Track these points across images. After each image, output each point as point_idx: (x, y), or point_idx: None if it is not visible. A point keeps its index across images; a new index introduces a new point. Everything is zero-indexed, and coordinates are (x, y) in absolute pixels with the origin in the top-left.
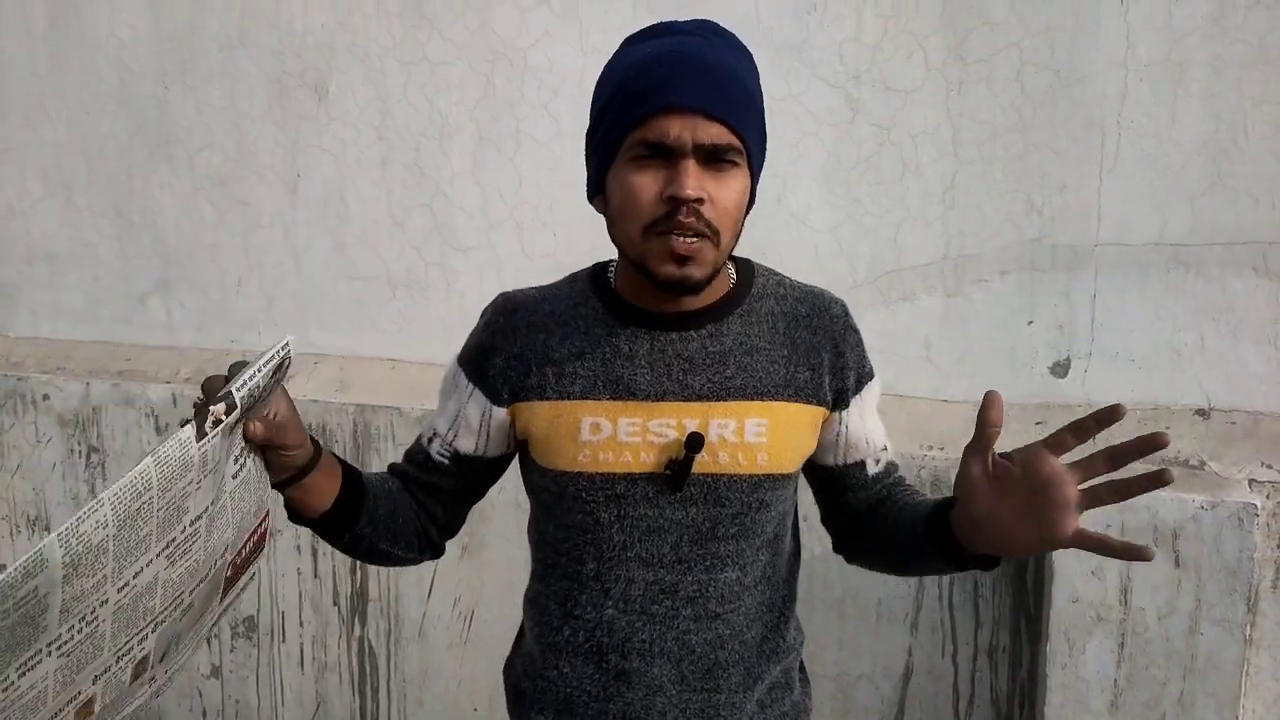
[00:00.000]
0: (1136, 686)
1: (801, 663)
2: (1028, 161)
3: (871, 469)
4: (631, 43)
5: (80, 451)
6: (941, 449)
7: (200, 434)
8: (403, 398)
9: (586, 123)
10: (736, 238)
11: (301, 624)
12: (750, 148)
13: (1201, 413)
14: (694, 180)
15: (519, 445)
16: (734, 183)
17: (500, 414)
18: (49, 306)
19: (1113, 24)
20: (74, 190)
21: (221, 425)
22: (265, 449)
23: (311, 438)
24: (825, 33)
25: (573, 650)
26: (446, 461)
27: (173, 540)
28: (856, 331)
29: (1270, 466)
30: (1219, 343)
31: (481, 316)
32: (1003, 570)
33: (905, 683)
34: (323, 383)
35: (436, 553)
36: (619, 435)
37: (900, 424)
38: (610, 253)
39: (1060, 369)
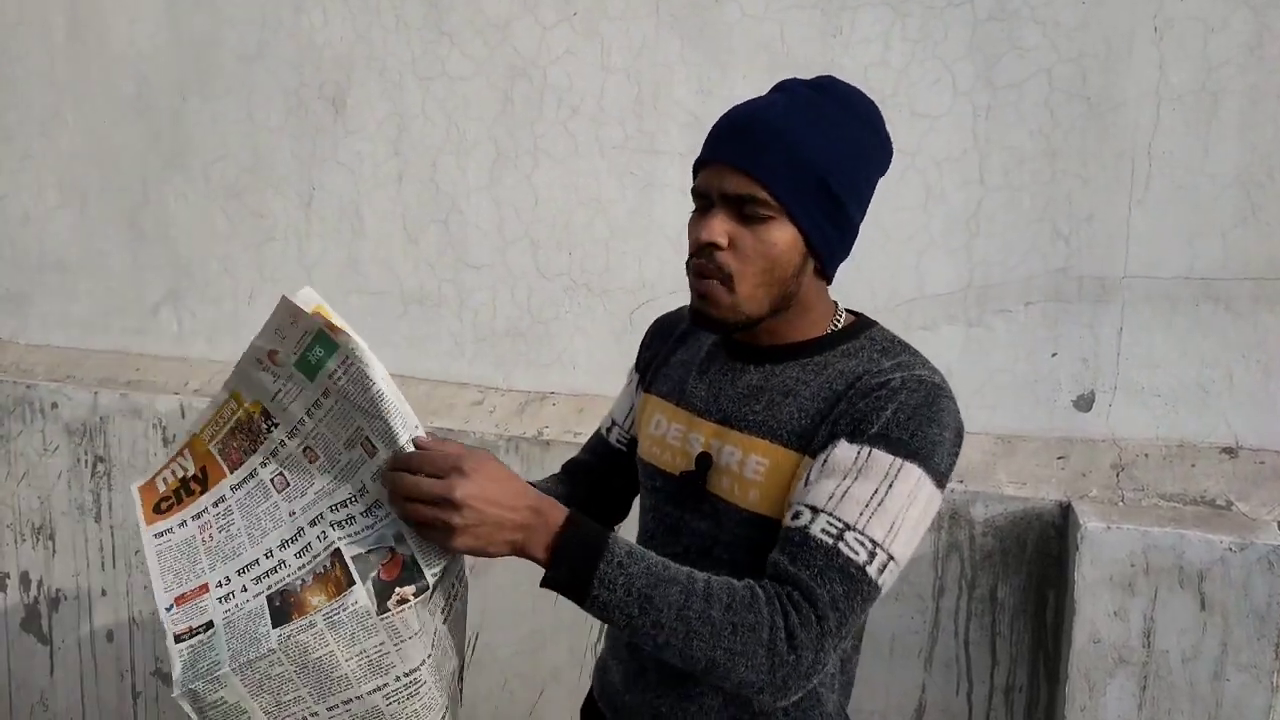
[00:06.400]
0: None
1: None
2: (1055, 190)
3: (785, 520)
4: None
5: (86, 461)
6: (960, 482)
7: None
8: None
9: (604, 141)
10: (771, 286)
11: None
12: (786, 201)
13: (1229, 451)
14: (715, 226)
15: None
16: (766, 234)
17: (643, 398)
18: (60, 315)
19: (1146, 52)
20: (88, 199)
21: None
22: None
23: None
24: (851, 56)
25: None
26: (624, 448)
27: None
28: (891, 393)
29: None
30: (1248, 380)
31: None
32: (1021, 607)
33: None
34: None
35: None
36: (668, 436)
37: None
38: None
39: (1084, 403)
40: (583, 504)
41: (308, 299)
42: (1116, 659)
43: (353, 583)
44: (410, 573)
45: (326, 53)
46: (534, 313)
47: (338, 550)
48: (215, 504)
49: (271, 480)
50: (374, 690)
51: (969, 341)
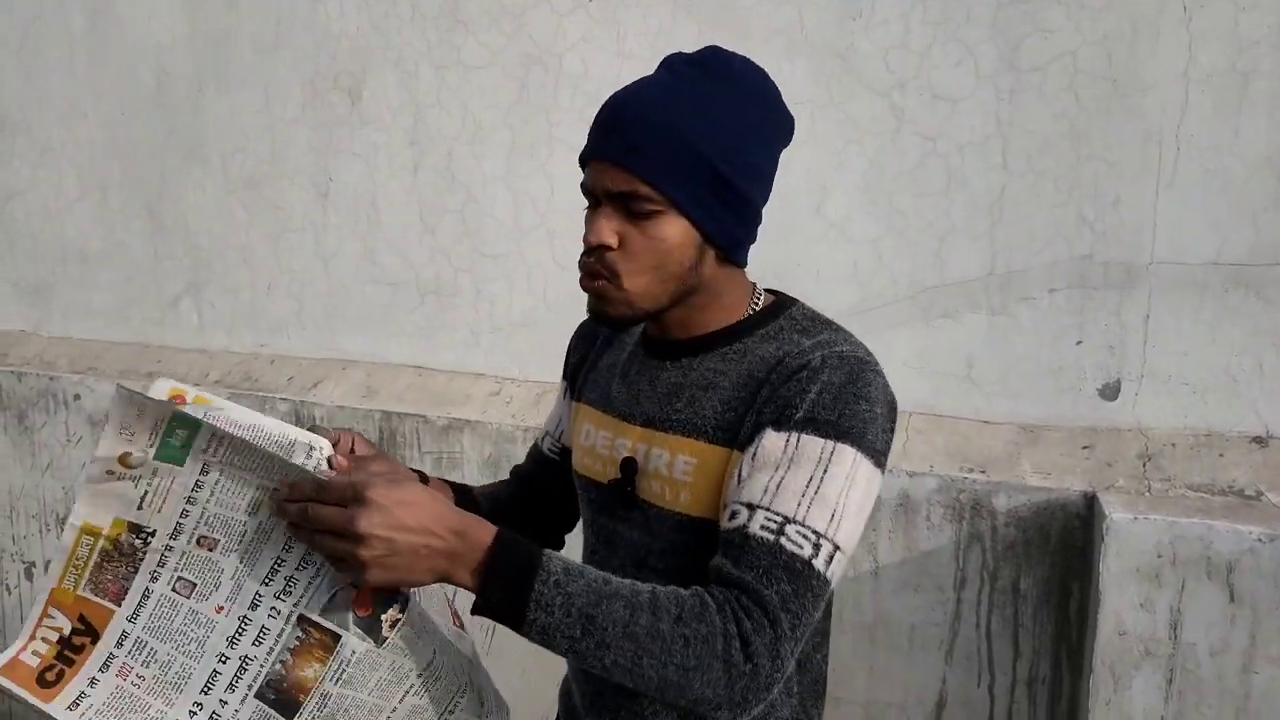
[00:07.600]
0: None
1: None
2: (1080, 174)
3: (723, 522)
4: None
5: None
6: (982, 471)
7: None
8: (428, 405)
9: None
10: (666, 281)
11: None
12: (673, 194)
13: (1259, 440)
14: (602, 226)
15: None
16: (656, 230)
17: (573, 407)
18: (81, 307)
19: (1174, 33)
20: (108, 191)
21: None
22: None
23: (418, 471)
24: (871, 39)
25: None
26: (556, 457)
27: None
28: (813, 374)
29: None
30: (1279, 368)
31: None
32: (1044, 599)
33: (938, 713)
34: (349, 388)
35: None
36: (597, 445)
37: (939, 444)
38: None
39: (1110, 391)
40: (528, 508)
41: (161, 389)
42: (1143, 651)
43: (338, 636)
44: (384, 595)
45: (343, 43)
46: (550, 303)
47: (302, 617)
48: (119, 644)
49: (173, 589)
50: (401, 697)
51: (992, 329)
